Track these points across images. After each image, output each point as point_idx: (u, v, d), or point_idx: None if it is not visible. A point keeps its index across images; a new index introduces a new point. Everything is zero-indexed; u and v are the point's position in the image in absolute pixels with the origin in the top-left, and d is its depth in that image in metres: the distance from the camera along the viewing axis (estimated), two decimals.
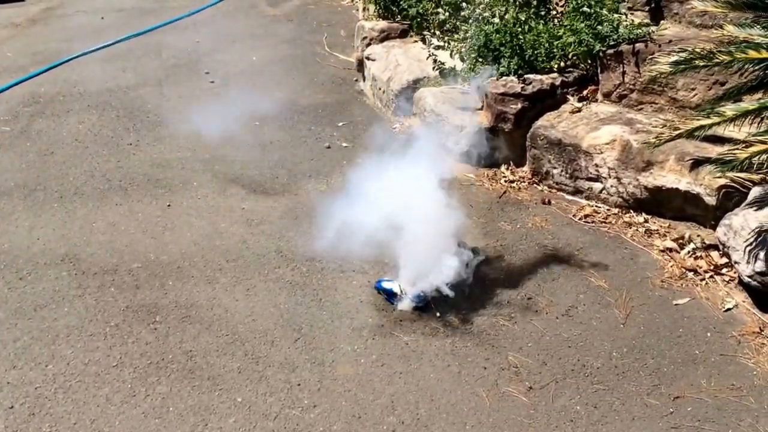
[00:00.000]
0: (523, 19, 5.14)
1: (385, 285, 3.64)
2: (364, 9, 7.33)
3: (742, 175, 3.71)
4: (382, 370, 3.19)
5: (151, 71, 6.91)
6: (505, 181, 4.72)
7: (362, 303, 3.62)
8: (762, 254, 3.25)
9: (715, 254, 3.78)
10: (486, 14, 5.19)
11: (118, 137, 5.49)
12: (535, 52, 4.91)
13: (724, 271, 3.70)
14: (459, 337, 3.38)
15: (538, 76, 4.84)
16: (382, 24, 6.35)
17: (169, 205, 4.53)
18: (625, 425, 2.87)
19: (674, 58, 3.90)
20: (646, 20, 4.89)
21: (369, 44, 6.26)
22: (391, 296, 3.61)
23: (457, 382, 3.11)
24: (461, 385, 3.09)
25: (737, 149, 3.43)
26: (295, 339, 3.39)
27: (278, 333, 3.43)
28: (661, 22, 4.79)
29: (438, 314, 3.52)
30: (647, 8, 4.96)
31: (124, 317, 3.55)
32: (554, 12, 5.43)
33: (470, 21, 5.31)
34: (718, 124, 3.65)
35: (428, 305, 3.56)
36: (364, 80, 6.42)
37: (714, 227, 3.90)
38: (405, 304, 3.56)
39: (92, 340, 3.39)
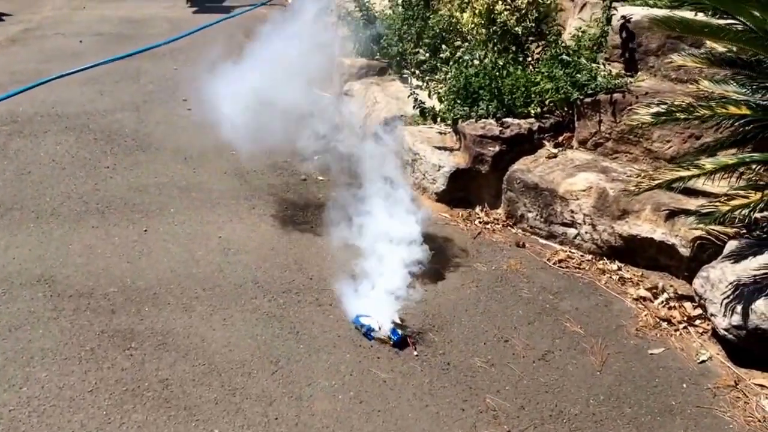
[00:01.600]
0: (502, 63, 5.24)
1: (363, 321, 3.64)
2: (340, 46, 7.39)
3: (718, 228, 3.80)
4: (361, 408, 3.18)
5: (128, 96, 6.90)
6: (480, 222, 4.78)
7: (339, 338, 3.62)
8: (739, 308, 3.32)
9: (688, 305, 3.85)
10: (466, 57, 5.27)
11: (96, 160, 5.45)
12: (513, 96, 5.00)
13: (697, 322, 3.76)
14: (437, 376, 3.39)
15: (516, 121, 4.93)
16: (362, 61, 6.43)
17: (145, 230, 4.50)
18: None
19: (655, 109, 3.99)
20: (621, 71, 5.01)
21: (347, 80, 6.32)
22: (368, 332, 3.61)
23: (435, 423, 3.11)
24: (440, 426, 3.09)
25: (719, 202, 3.51)
26: (273, 371, 3.37)
27: (255, 365, 3.40)
28: (638, 74, 4.91)
29: (416, 353, 3.53)
30: (622, 59, 5.10)
31: (100, 342, 3.50)
32: (530, 59, 5.55)
33: (450, 63, 5.40)
34: (698, 176, 3.73)
35: (405, 342, 3.57)
36: (340, 115, 6.46)
37: (687, 278, 3.99)
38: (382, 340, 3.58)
39: (67, 364, 3.34)
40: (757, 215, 3.59)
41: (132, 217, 4.66)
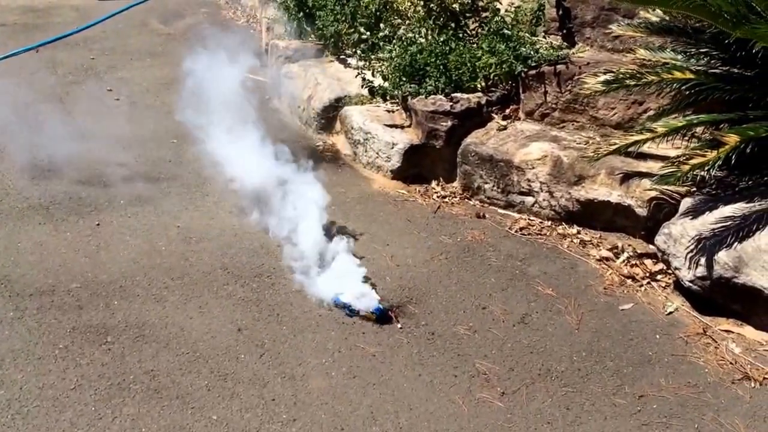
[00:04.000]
0: (443, 40, 5.30)
1: (344, 299, 3.64)
2: (268, 29, 7.30)
3: (671, 188, 3.98)
4: (355, 382, 3.19)
5: (49, 88, 6.60)
6: (438, 197, 4.84)
7: (321, 317, 3.62)
8: (703, 260, 3.50)
9: (648, 262, 4.03)
10: (410, 35, 5.31)
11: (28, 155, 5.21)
12: (460, 71, 5.07)
13: (659, 277, 3.94)
14: (424, 347, 3.43)
15: (465, 95, 5.00)
16: (297, 43, 6.37)
17: (98, 224, 4.35)
18: (599, 425, 3.01)
19: (603, 77, 4.14)
20: (561, 43, 5.16)
21: (284, 63, 6.25)
22: (350, 310, 3.62)
23: (431, 391, 3.16)
24: (436, 394, 3.14)
25: (679, 162, 3.68)
26: (260, 354, 3.34)
27: (241, 349, 3.37)
28: (578, 45, 5.07)
29: (399, 326, 3.56)
30: (560, 33, 5.25)
31: (72, 339, 3.38)
32: (468, 35, 5.63)
33: (393, 41, 5.43)
34: (652, 139, 3.90)
35: (387, 316, 3.60)
36: (279, 98, 6.40)
37: (644, 237, 4.17)
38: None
39: (42, 364, 3.21)
40: (718, 173, 3.77)
41: (80, 211, 4.49)
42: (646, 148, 4.15)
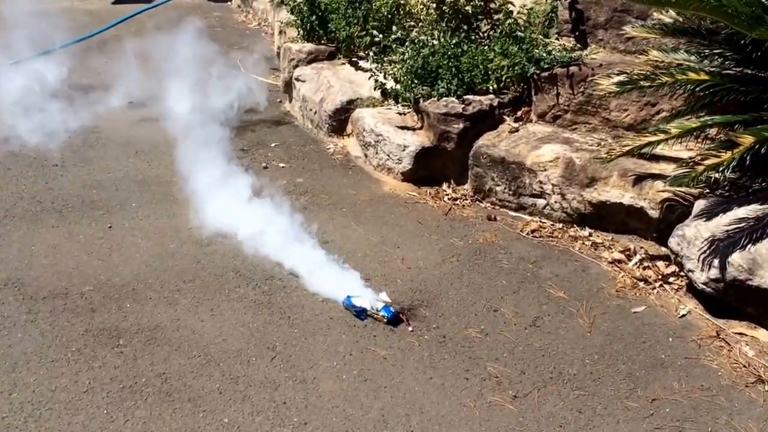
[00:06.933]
0: (455, 42, 5.29)
1: (355, 302, 3.64)
2: (280, 32, 7.32)
3: (684, 189, 3.95)
4: (366, 385, 3.19)
5: (63, 91, 6.65)
6: (449, 199, 4.83)
7: (332, 320, 3.61)
8: (716, 262, 3.47)
9: (661, 264, 4.00)
10: (422, 37, 5.31)
11: (42, 158, 5.27)
12: (472, 74, 5.06)
13: (671, 279, 3.91)
14: (435, 350, 3.42)
15: (477, 97, 4.99)
16: (309, 46, 6.36)
17: (110, 227, 4.38)
18: (612, 428, 2.98)
19: (617, 79, 4.12)
20: (574, 45, 5.14)
21: (297, 66, 6.25)
22: (361, 313, 3.62)
23: (443, 394, 3.15)
24: (447, 397, 3.13)
25: (693, 163, 3.65)
26: (272, 357, 3.34)
27: (252, 352, 3.37)
28: (591, 47, 5.04)
29: (410, 328, 3.55)
30: (573, 35, 5.23)
31: (85, 341, 3.40)
32: (480, 37, 5.62)
33: (406, 43, 5.43)
34: (666, 140, 3.87)
35: (399, 319, 3.59)
36: (290, 101, 6.41)
37: (656, 239, 4.14)
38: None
39: (55, 366, 3.23)
40: (732, 175, 3.74)
41: (92, 215, 4.52)
42: (658, 150, 4.12)
